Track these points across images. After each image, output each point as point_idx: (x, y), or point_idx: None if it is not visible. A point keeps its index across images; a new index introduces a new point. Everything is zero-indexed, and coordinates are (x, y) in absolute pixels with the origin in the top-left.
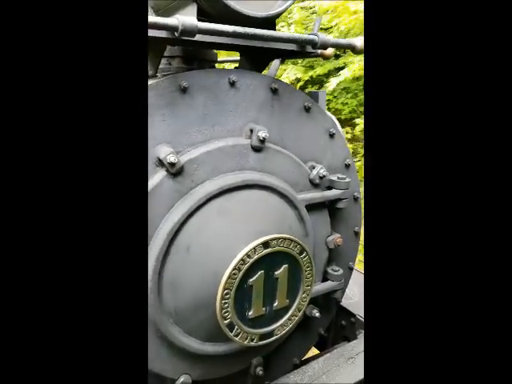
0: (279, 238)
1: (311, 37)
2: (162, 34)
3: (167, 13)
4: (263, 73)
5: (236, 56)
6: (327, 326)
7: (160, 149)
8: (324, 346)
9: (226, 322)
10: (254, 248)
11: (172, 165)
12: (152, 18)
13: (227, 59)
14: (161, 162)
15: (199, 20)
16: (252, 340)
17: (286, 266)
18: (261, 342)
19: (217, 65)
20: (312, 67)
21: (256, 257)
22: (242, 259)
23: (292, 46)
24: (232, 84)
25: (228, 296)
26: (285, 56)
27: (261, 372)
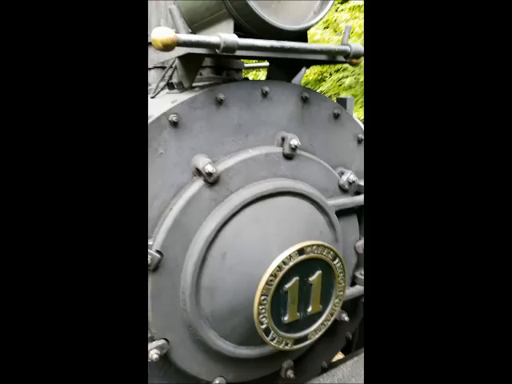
0: (314, 245)
1: (344, 47)
2: (203, 50)
3: (202, 26)
4: None
5: (261, 62)
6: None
7: (198, 159)
8: (348, 349)
9: (262, 326)
10: (290, 255)
11: (210, 174)
12: (195, 37)
13: (253, 65)
14: (199, 172)
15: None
16: (287, 344)
17: (320, 272)
18: (295, 347)
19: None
20: (323, 79)
21: (292, 263)
22: (278, 266)
23: (324, 57)
24: (265, 95)
25: (265, 302)
26: (314, 64)
27: (291, 375)
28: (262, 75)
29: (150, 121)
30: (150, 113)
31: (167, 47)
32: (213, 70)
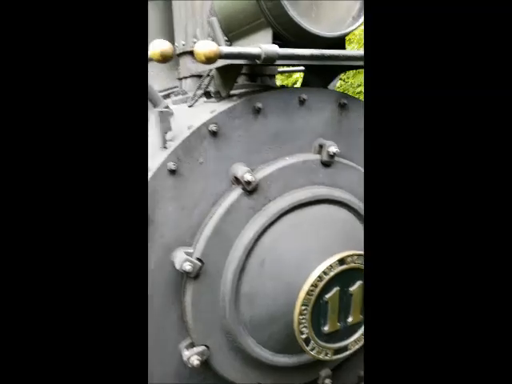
0: (355, 255)
1: None
2: (242, 61)
3: (240, 35)
4: None
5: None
6: None
7: (237, 167)
8: None
9: (302, 336)
10: (331, 265)
11: (248, 183)
12: (236, 49)
13: (286, 70)
14: (237, 180)
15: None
16: (327, 354)
17: (361, 282)
18: (335, 357)
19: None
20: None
21: (332, 273)
22: (319, 276)
23: (361, 63)
24: (302, 102)
25: (305, 311)
26: (350, 69)
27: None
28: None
29: (190, 131)
30: (189, 122)
31: (210, 60)
32: (247, 77)
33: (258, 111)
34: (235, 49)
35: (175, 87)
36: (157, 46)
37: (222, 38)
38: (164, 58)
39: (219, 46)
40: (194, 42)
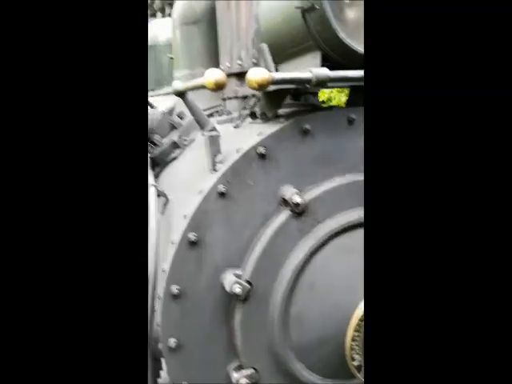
0: None
1: None
2: (292, 85)
3: (286, 58)
4: None
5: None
6: None
7: (285, 189)
8: None
9: (354, 363)
10: None
11: (297, 205)
12: (288, 75)
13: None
14: (285, 202)
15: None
16: None
17: None
18: None
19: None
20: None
21: None
22: None
23: None
24: (350, 122)
25: (358, 338)
26: None
27: None
28: None
29: (239, 154)
30: (237, 145)
31: (262, 87)
32: (291, 95)
33: (306, 132)
34: (287, 74)
35: (219, 105)
36: (211, 75)
37: (272, 64)
38: (218, 87)
39: (270, 72)
40: (239, 64)
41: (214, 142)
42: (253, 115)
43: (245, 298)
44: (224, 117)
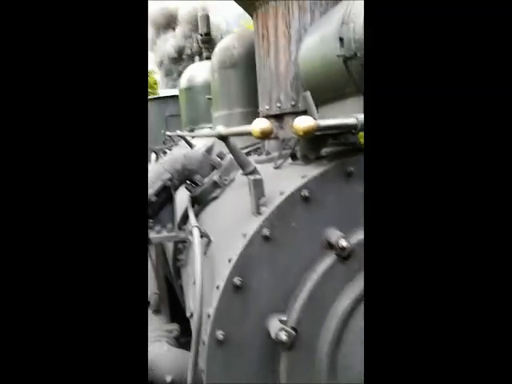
0: None
1: None
2: (337, 130)
3: (326, 101)
4: None
5: None
6: None
7: (330, 232)
8: None
9: None
10: None
11: (343, 249)
12: (333, 121)
13: None
14: (330, 245)
15: None
16: None
17: None
18: None
19: None
20: None
21: None
22: None
23: None
24: None
25: None
26: None
27: None
28: None
29: (283, 197)
30: (280, 187)
31: (307, 134)
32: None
33: (349, 175)
34: (332, 121)
35: (257, 143)
36: (257, 125)
37: (315, 111)
38: (264, 136)
39: (315, 119)
40: (278, 107)
41: (258, 185)
42: (293, 156)
43: (290, 345)
44: (263, 156)
